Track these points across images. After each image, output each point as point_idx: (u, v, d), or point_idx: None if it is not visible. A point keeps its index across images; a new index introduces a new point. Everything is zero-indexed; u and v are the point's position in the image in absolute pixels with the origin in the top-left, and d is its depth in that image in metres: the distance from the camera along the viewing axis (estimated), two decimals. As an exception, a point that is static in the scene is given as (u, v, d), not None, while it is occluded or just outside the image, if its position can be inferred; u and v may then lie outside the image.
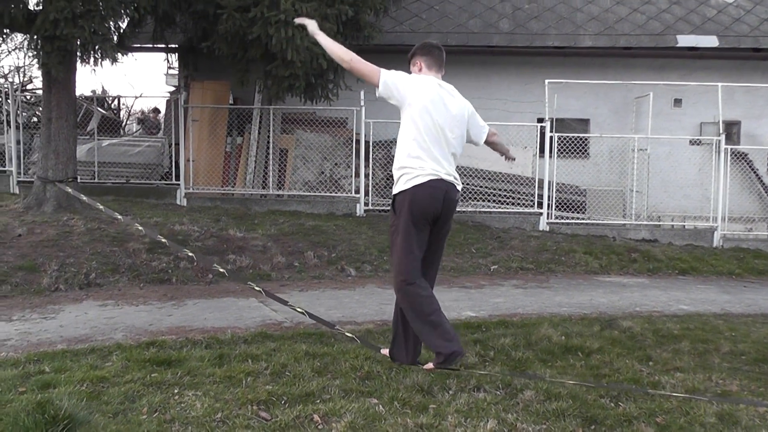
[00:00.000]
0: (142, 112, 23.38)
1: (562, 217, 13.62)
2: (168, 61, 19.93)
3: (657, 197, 14.39)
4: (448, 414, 4.23)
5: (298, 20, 5.39)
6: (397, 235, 4.97)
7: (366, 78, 5.02)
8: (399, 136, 5.07)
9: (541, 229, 13.15)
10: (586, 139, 14.33)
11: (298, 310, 6.18)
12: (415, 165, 4.89)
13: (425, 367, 5.01)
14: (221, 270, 7.02)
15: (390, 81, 4.93)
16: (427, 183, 4.85)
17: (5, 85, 16.76)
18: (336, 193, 13.94)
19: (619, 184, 14.52)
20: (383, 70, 4.95)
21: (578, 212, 14.02)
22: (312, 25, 5.18)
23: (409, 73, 5.25)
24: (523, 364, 5.41)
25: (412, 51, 5.31)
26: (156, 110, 22.38)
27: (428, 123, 4.91)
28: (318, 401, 4.41)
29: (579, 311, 7.66)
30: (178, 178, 14.16)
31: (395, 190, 5.02)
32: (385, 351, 5.35)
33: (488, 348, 5.81)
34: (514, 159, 6.08)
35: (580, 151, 13.86)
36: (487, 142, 5.51)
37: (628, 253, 11.29)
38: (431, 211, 4.90)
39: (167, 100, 16.51)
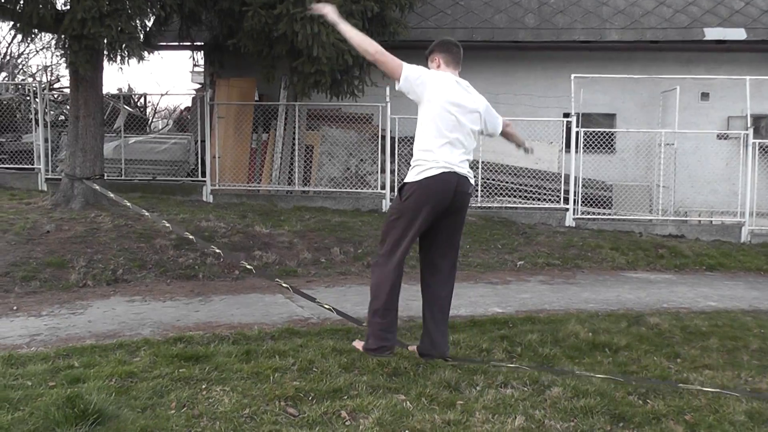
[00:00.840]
0: (180, 112, 23.47)
1: (589, 213, 13.55)
2: (194, 59, 20.04)
3: (684, 192, 14.26)
4: (476, 410, 4.22)
5: (315, 6, 5.38)
6: (395, 219, 5.11)
7: (388, 71, 5.10)
8: (417, 130, 5.19)
9: (567, 224, 13.09)
10: (612, 134, 14.23)
11: (326, 306, 6.25)
12: (429, 158, 5.02)
13: (354, 343, 5.43)
14: (248, 267, 7.08)
15: (411, 76, 5.02)
16: (438, 175, 4.97)
17: (33, 84, 16.92)
18: (361, 189, 13.94)
19: (645, 180, 14.43)
20: (405, 65, 5.02)
21: (604, 208, 13.93)
22: (332, 13, 5.20)
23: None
24: (550, 360, 5.39)
25: (431, 48, 5.41)
26: (188, 109, 22.52)
27: (446, 119, 5.03)
28: (345, 397, 4.41)
29: (606, 307, 7.62)
30: (204, 174, 14.23)
31: (407, 179, 5.12)
32: (413, 347, 5.41)
33: (515, 344, 5.79)
34: (532, 151, 6.17)
35: (607, 146, 13.77)
36: (502, 133, 5.65)
37: (655, 248, 11.22)
38: (441, 203, 5.02)
39: (193, 98, 16.59)
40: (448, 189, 5.01)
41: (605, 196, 14.09)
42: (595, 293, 8.52)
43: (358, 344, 5.36)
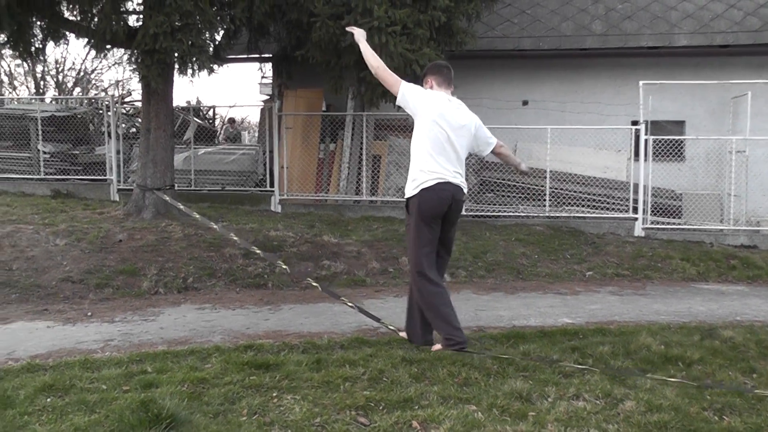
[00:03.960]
0: (223, 122, 23.90)
1: (658, 222, 13.30)
2: (262, 71, 20.29)
3: (756, 201, 13.91)
4: (548, 422, 4.18)
5: (350, 27, 6.15)
6: (411, 233, 5.76)
7: (388, 86, 5.83)
8: (412, 145, 5.79)
9: (636, 234, 12.87)
10: (681, 142, 13.96)
11: (390, 327, 6.32)
12: (425, 169, 5.61)
13: (433, 348, 5.73)
14: (314, 284, 7.19)
15: (407, 93, 5.71)
16: (435, 186, 5.57)
17: (106, 98, 17.34)
18: (428, 199, 13.87)
19: (716, 188, 14.11)
20: (403, 83, 5.74)
21: (674, 217, 13.68)
22: (359, 35, 5.94)
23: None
24: (622, 373, 5.30)
25: (424, 71, 6.12)
26: (231, 120, 22.81)
27: (437, 134, 5.61)
28: (416, 407, 4.40)
29: (677, 319, 7.45)
30: (272, 184, 14.39)
31: (407, 194, 5.75)
32: (404, 333, 6.04)
33: (586, 356, 5.71)
34: (527, 172, 6.60)
35: (676, 154, 13.53)
36: (495, 154, 6.16)
37: (727, 259, 10.95)
38: (439, 211, 5.61)
39: (261, 109, 16.79)
40: (445, 197, 5.58)
41: (675, 206, 13.83)
42: (666, 305, 8.36)
43: (437, 347, 5.75)
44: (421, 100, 5.69)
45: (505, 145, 6.27)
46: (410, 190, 5.71)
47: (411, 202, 5.71)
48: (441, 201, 5.59)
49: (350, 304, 6.85)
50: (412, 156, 5.78)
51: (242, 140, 22.86)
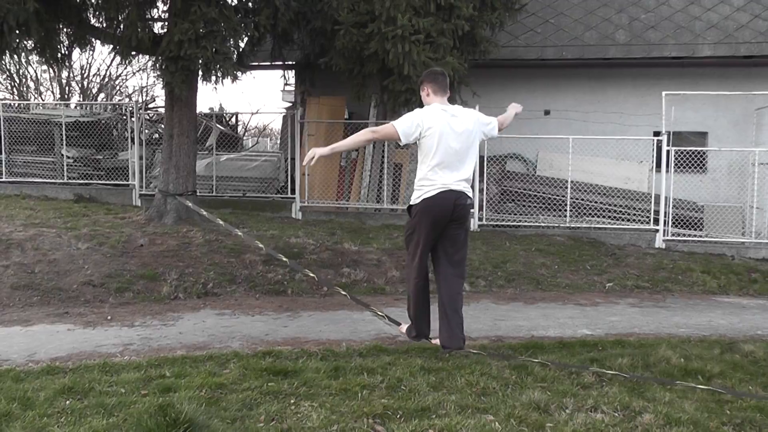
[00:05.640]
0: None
1: (679, 234, 13.21)
2: (285, 78, 20.32)
3: (779, 214, 13.80)
4: (566, 434, 4.18)
5: (307, 157, 5.94)
6: (410, 234, 6.03)
7: (389, 139, 6.28)
8: (418, 158, 6.02)
9: (657, 246, 12.79)
10: (703, 153, 13.88)
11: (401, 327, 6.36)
12: (427, 183, 5.84)
13: (400, 328, 6.40)
14: (343, 293, 7.24)
15: (406, 130, 5.84)
16: (437, 195, 5.78)
17: (130, 104, 17.49)
18: (449, 207, 13.85)
19: (738, 200, 13.99)
20: (396, 125, 5.87)
21: (695, 229, 13.58)
22: (321, 150, 5.92)
23: (418, 94, 6.32)
24: (641, 385, 5.27)
25: (420, 79, 6.30)
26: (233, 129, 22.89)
27: (439, 147, 5.79)
28: (434, 416, 4.40)
29: (697, 333, 7.40)
30: (293, 191, 14.43)
31: (411, 201, 6.00)
32: (436, 340, 6.03)
33: (605, 368, 5.68)
34: (520, 107, 6.78)
35: (698, 165, 13.43)
36: (501, 130, 6.38)
37: (748, 273, 10.87)
38: (442, 217, 5.80)
39: (284, 116, 16.84)
40: (447, 204, 5.78)
41: (696, 218, 13.74)
42: (686, 318, 8.30)
43: (403, 328, 6.33)
44: (421, 124, 5.82)
45: (503, 120, 6.46)
46: (414, 199, 5.93)
47: (413, 208, 5.94)
48: (443, 207, 5.77)
49: (380, 313, 6.89)
50: (418, 168, 5.96)
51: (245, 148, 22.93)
